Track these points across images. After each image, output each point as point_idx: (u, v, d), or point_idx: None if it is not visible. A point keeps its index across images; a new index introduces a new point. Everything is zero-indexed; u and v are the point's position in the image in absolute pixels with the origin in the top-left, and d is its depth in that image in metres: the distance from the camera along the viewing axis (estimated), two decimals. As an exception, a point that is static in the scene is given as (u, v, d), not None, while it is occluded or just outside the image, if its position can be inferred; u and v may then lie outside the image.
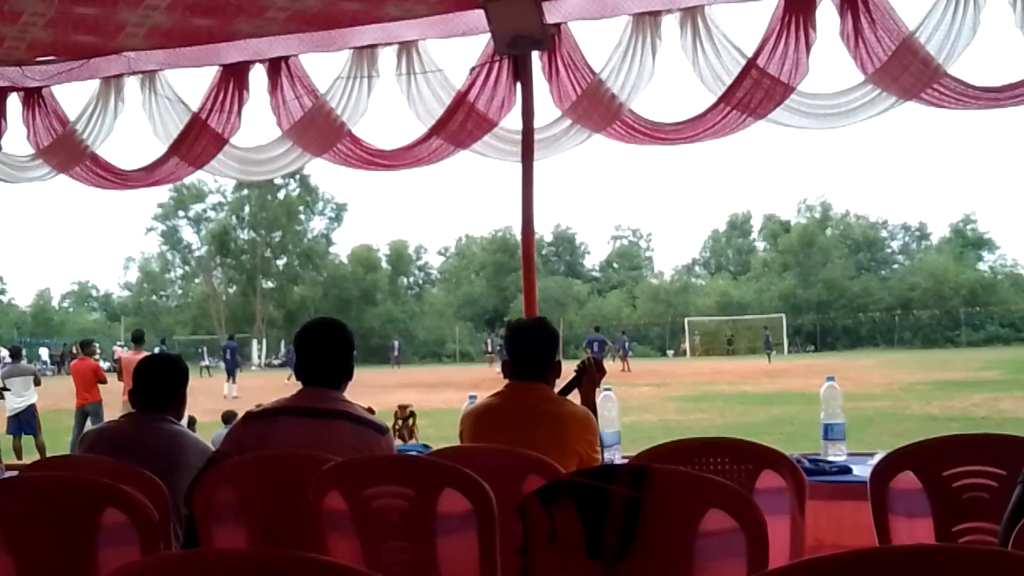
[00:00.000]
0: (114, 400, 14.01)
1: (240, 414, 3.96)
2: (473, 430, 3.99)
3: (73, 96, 6.72)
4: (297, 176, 71.86)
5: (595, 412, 4.10)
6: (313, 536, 3.07)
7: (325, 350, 3.76)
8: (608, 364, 4.73)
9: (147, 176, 6.68)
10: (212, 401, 22.65)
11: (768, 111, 5.41)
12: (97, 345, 17.05)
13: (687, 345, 64.88)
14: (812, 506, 3.49)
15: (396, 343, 59.80)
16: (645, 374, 36.99)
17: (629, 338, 56.12)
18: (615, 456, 4.56)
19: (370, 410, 5.00)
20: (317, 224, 78.41)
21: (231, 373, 31.89)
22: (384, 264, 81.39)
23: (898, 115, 5.40)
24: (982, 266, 73.57)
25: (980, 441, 3.34)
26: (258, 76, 6.33)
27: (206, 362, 51.06)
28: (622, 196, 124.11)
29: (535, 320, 4.46)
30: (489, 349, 47.69)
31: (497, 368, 39.50)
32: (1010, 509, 2.27)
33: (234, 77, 6.32)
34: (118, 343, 51.70)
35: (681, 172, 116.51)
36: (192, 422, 9.92)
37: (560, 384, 4.17)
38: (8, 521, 3.04)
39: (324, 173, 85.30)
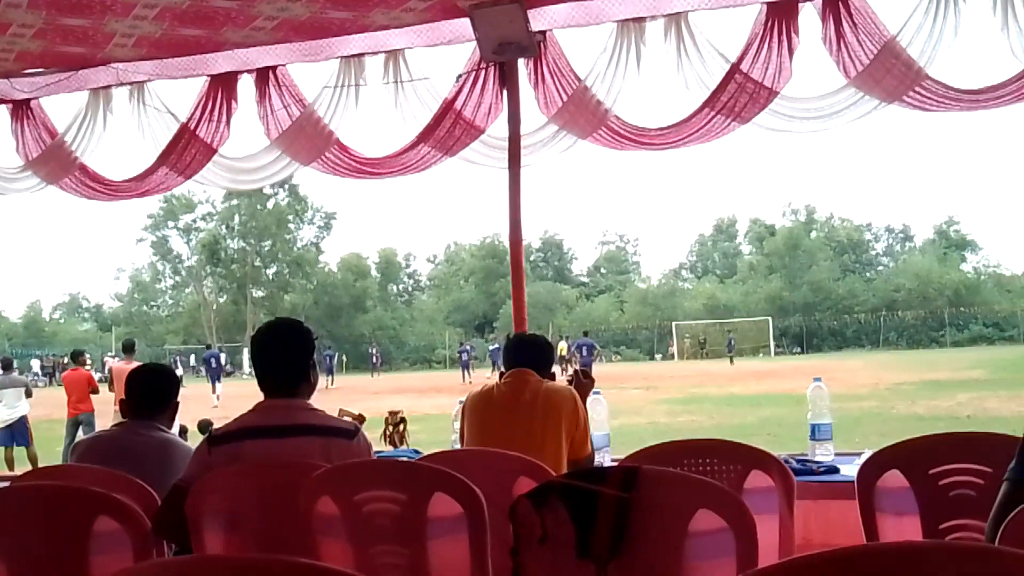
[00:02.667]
0: (106, 410, 13.93)
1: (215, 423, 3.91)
2: (473, 411, 4.29)
3: (62, 107, 6.74)
4: (286, 185, 71.73)
5: (586, 416, 4.27)
6: (305, 541, 3.08)
7: (282, 355, 3.50)
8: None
9: (136, 186, 6.69)
10: (202, 409, 22.59)
11: (752, 115, 5.45)
12: (88, 356, 16.95)
13: (675, 348, 64.95)
14: (800, 506, 3.53)
15: (376, 350, 59.53)
16: (634, 377, 36.99)
17: (616, 342, 57.60)
18: (605, 459, 4.59)
19: (360, 417, 5.03)
20: (307, 233, 78.29)
21: (215, 381, 32.05)
22: (374, 271, 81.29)
23: (881, 118, 5.45)
24: (965, 267, 74.06)
25: (966, 439, 3.37)
26: (246, 86, 6.36)
27: (180, 371, 50.88)
28: (609, 202, 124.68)
29: (533, 334, 4.85)
30: (466, 358, 45.86)
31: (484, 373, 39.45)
32: (996, 506, 2.29)
33: (222, 87, 6.35)
34: (109, 353, 51.51)
35: (667, 177, 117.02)
36: (184, 431, 9.90)
37: None
38: (1, 530, 3.05)
39: (313, 182, 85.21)
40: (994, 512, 2.28)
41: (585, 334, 42.62)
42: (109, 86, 6.53)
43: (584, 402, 4.34)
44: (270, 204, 74.17)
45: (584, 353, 34.63)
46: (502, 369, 4.44)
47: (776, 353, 62.66)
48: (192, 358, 57.65)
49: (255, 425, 3.39)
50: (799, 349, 65.72)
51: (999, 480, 2.36)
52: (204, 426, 10.69)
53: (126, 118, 6.58)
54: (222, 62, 6.22)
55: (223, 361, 40.66)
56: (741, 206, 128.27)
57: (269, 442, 3.32)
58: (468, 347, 49.37)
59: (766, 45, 5.31)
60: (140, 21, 5.49)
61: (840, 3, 5.17)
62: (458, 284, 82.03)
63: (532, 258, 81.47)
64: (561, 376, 4.66)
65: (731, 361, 50.63)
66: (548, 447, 3.99)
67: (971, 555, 1.59)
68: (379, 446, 5.51)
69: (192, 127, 6.40)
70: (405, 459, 4.37)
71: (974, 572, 1.54)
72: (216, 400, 28.94)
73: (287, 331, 3.57)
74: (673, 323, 66.65)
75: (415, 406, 21.00)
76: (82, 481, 3.41)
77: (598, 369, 34.06)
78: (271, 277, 76.41)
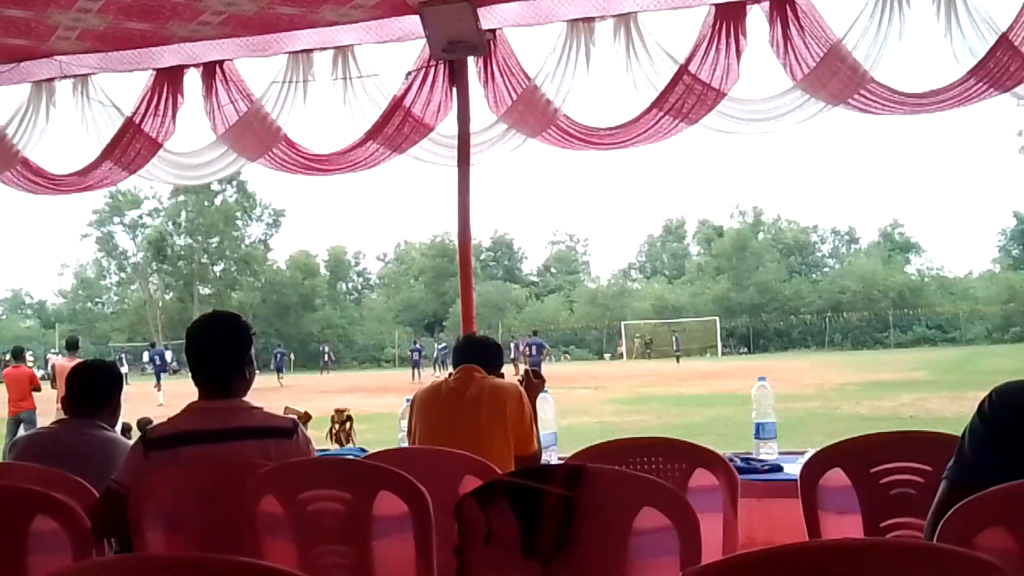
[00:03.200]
0: (48, 408, 13.75)
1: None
2: (421, 408, 4.30)
3: (4, 100, 6.63)
4: (234, 182, 71.28)
5: (535, 416, 4.33)
6: (249, 541, 3.05)
7: (219, 351, 3.38)
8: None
9: (80, 181, 6.58)
10: (148, 408, 22.32)
11: (700, 116, 5.49)
12: (30, 353, 16.69)
13: (624, 348, 65.29)
14: (744, 504, 3.55)
15: (326, 348, 59.25)
16: (583, 377, 37.11)
17: (565, 342, 58.67)
18: (552, 457, 4.60)
19: (306, 415, 5.00)
20: (255, 230, 77.71)
21: (160, 379, 32.03)
22: (323, 270, 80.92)
23: (828, 121, 5.52)
24: (909, 269, 75.36)
25: (906, 438, 3.42)
26: (193, 80, 6.29)
27: (125, 369, 49.96)
28: (559, 202, 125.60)
29: (483, 336, 4.84)
30: (417, 357, 45.99)
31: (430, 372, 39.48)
32: (935, 504, 2.33)
33: (168, 81, 6.27)
34: (52, 350, 50.79)
35: (617, 178, 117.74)
36: (127, 429, 9.74)
37: None
38: (-63, 530, 2.99)
39: (261, 179, 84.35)
40: (932, 510, 2.31)
41: (534, 333, 42.90)
42: (52, 79, 6.42)
43: (533, 401, 4.36)
44: (218, 201, 73.58)
45: (533, 352, 34.80)
46: (450, 369, 4.46)
47: (723, 353, 63.24)
48: (145, 355, 57.00)
49: (192, 430, 3.29)
50: (746, 349, 66.36)
51: (938, 479, 2.40)
52: (143, 424, 10.46)
53: (69, 111, 6.48)
54: (168, 56, 6.13)
55: (169, 359, 40.45)
56: (690, 207, 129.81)
57: (207, 447, 3.24)
58: (420, 346, 49.24)
59: (714, 47, 5.35)
60: (84, 14, 5.41)
61: (787, 6, 5.22)
62: (408, 283, 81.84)
63: (482, 257, 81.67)
64: (513, 377, 4.68)
65: (677, 360, 51.08)
66: (495, 443, 4.00)
67: (908, 552, 1.61)
68: (325, 444, 5.49)
69: (137, 121, 6.30)
70: (351, 457, 4.36)
71: (911, 568, 1.56)
72: (161, 398, 28.68)
73: (223, 325, 3.46)
74: (622, 323, 66.99)
75: (365, 405, 20.93)
76: (20, 480, 3.35)
77: (547, 369, 34.20)
78: (218, 274, 75.75)
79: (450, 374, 4.40)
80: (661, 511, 2.51)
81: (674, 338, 56.89)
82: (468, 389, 4.18)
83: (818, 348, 64.24)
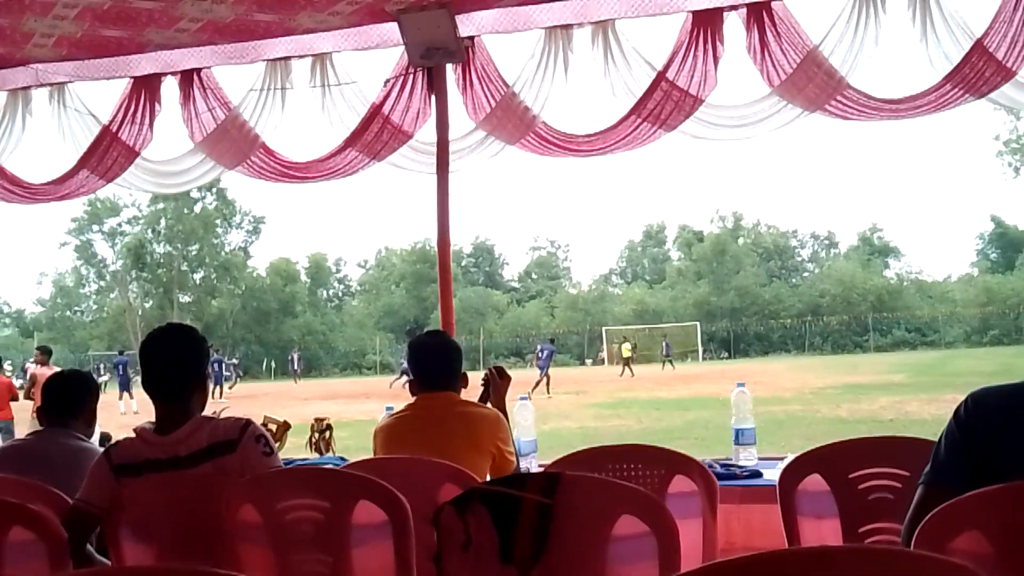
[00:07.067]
0: (26, 418, 13.65)
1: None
2: (386, 444, 3.98)
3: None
4: (214, 189, 70.92)
5: (507, 418, 4.13)
6: (227, 550, 3.04)
7: (172, 365, 3.29)
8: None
9: (56, 189, 6.54)
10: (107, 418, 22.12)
11: (678, 123, 5.50)
12: (8, 363, 16.59)
13: (605, 353, 65.35)
14: (723, 510, 3.56)
15: (296, 355, 57.71)
16: (564, 382, 37.13)
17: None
18: (531, 464, 4.58)
19: (285, 424, 4.99)
20: (235, 237, 77.33)
21: (125, 388, 31.10)
22: (303, 276, 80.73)
23: (807, 126, 5.56)
24: (888, 273, 75.72)
25: (884, 443, 3.44)
26: (170, 88, 6.26)
27: (106, 377, 48.46)
28: (540, 208, 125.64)
29: (435, 334, 4.43)
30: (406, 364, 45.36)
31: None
32: (911, 509, 2.34)
33: (145, 89, 6.23)
34: (30, 360, 50.40)
35: (598, 184, 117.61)
36: (107, 439, 9.69)
37: (470, 398, 4.17)
38: (-89, 543, 2.97)
39: (241, 186, 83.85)
40: (909, 515, 2.32)
41: (551, 341, 43.01)
42: (28, 87, 6.37)
43: (502, 400, 4.19)
44: (197, 208, 73.25)
45: (543, 356, 34.60)
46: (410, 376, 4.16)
47: (704, 358, 63.38)
48: (99, 365, 56.32)
49: (157, 458, 3.18)
50: (726, 354, 66.48)
51: (915, 483, 2.41)
52: (104, 440, 10.37)
53: (46, 120, 6.43)
54: (145, 64, 6.10)
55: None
56: (670, 212, 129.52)
57: (174, 474, 3.15)
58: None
59: (692, 53, 5.36)
60: (60, 20, 5.38)
61: (764, 13, 5.24)
62: (389, 289, 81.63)
63: (463, 263, 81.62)
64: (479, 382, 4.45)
65: (670, 364, 51.06)
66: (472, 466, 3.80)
67: (883, 558, 1.62)
68: (304, 453, 5.47)
69: (114, 129, 6.27)
70: (330, 466, 4.34)
71: (886, 574, 1.57)
72: (123, 408, 28.15)
73: (177, 338, 3.37)
74: (603, 328, 67.05)
75: (344, 412, 20.88)
76: (-3, 491, 3.33)
77: (526, 374, 34.18)
78: (198, 282, 75.38)
79: (410, 382, 4.13)
80: (639, 517, 2.51)
81: (664, 343, 56.68)
82: (441, 422, 3.88)
83: (798, 352, 64.47)
